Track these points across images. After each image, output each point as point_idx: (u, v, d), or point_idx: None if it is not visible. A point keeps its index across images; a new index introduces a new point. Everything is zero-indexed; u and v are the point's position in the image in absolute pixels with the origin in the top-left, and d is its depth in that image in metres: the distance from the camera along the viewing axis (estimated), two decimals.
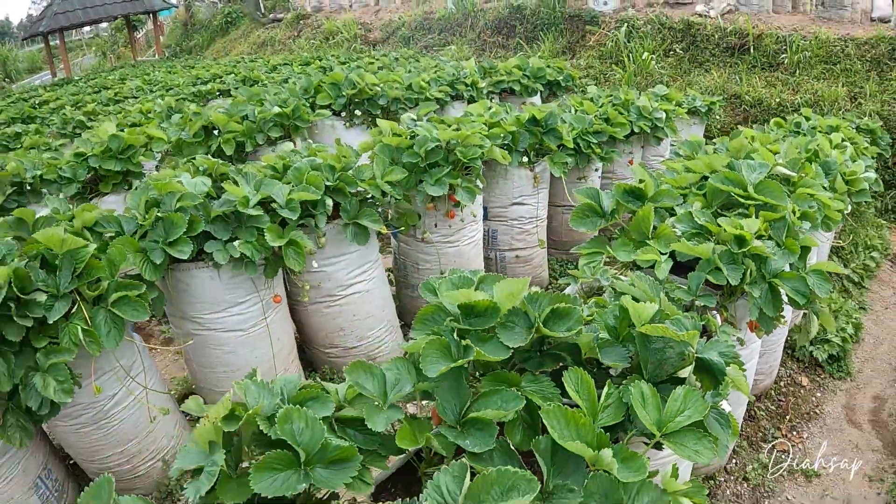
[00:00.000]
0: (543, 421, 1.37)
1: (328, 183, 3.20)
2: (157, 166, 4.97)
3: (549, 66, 7.61)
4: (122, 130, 4.79)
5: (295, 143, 5.39)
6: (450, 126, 4.09)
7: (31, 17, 50.71)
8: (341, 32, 14.92)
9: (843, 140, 5.32)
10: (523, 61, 7.43)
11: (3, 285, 2.28)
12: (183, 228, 2.76)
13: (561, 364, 1.71)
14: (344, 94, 5.56)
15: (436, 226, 3.92)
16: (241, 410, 1.45)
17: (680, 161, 3.71)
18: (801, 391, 4.27)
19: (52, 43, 21.73)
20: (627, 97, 5.82)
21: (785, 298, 2.61)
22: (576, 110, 5.32)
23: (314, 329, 3.70)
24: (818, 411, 4.13)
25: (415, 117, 4.21)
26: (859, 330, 4.90)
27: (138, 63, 20.28)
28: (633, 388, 1.51)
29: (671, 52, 9.52)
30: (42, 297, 2.40)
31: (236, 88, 9.44)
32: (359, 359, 1.71)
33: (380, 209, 3.52)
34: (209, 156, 4.73)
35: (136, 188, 3.14)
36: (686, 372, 1.71)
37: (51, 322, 2.42)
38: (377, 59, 9.58)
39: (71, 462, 3.24)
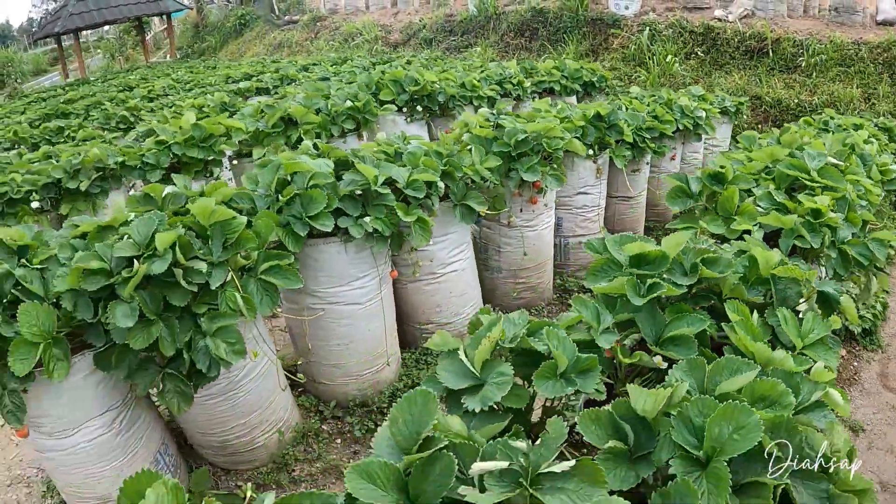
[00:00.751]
0: (728, 333, 1.84)
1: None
2: (229, 157, 5.35)
3: (583, 68, 8.09)
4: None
5: (362, 137, 5.84)
6: (527, 120, 4.56)
7: (31, 21, 50.93)
8: (361, 34, 15.36)
9: (868, 136, 5.83)
10: (560, 63, 7.91)
11: (169, 251, 2.46)
12: (323, 204, 3.09)
13: (711, 302, 2.18)
14: (406, 90, 6.02)
15: (521, 210, 4.38)
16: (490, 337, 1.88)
17: (741, 153, 4.18)
18: (841, 360, 4.76)
19: (64, 44, 22.11)
20: (670, 97, 6.31)
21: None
22: (626, 108, 5.80)
23: (414, 306, 4.11)
24: (856, 377, 4.62)
25: (493, 112, 4.67)
26: (886, 309, 5.40)
27: (154, 64, 20.63)
28: (779, 313, 1.98)
29: (693, 55, 10.03)
30: (202, 265, 2.57)
31: (276, 87, 9.89)
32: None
33: None
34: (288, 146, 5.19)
35: (261, 166, 3.45)
36: (803, 306, 2.18)
37: (213, 288, 2.58)
38: (412, 60, 10.03)
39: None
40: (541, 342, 1.84)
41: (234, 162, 5.10)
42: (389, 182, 3.43)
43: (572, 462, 1.38)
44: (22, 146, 7.68)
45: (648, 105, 6.09)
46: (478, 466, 1.38)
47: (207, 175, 5.04)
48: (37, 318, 2.28)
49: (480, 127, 4.32)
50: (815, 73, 9.19)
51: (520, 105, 7.39)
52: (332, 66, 11.24)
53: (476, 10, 13.14)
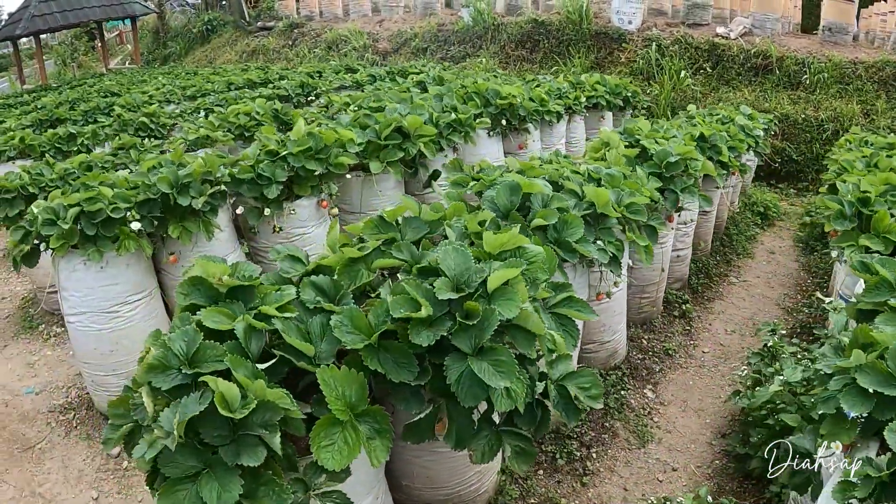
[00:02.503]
0: None
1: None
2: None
3: (620, 84, 8.21)
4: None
5: (456, 151, 5.74)
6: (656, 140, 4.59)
7: None
8: (349, 41, 15.09)
9: None
10: (602, 78, 8.00)
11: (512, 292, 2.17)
12: (580, 228, 3.00)
13: None
14: (493, 103, 5.95)
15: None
16: None
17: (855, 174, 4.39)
18: None
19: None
20: (732, 115, 6.48)
21: None
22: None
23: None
24: None
25: (621, 130, 4.68)
26: None
27: (117, 70, 19.70)
28: None
29: (701, 71, 10.32)
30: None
31: (296, 94, 9.61)
32: None
33: None
34: (403, 160, 5.03)
35: (482, 187, 3.19)
36: None
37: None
38: (433, 69, 9.92)
39: None
40: None
41: (348, 176, 4.88)
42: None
43: None
44: (46, 155, 7.18)
45: (713, 125, 6.24)
46: None
47: (319, 192, 4.80)
48: (339, 387, 1.84)
49: (628, 147, 4.32)
50: (817, 90, 9.60)
51: (573, 119, 7.42)
52: (346, 73, 10.99)
53: (472, 21, 13.11)
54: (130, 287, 3.77)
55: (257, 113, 7.18)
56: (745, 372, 4.15)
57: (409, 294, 2.02)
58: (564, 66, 11.26)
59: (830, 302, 3.44)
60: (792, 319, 5.60)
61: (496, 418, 2.24)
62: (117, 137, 7.21)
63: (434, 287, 2.04)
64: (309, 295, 2.10)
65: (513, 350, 2.06)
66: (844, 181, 4.60)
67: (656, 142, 4.71)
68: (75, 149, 7.36)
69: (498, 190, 3.05)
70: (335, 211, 4.98)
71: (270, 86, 10.21)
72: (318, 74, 11.55)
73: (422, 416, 2.04)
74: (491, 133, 6.04)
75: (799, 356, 4.07)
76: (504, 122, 6.02)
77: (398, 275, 2.47)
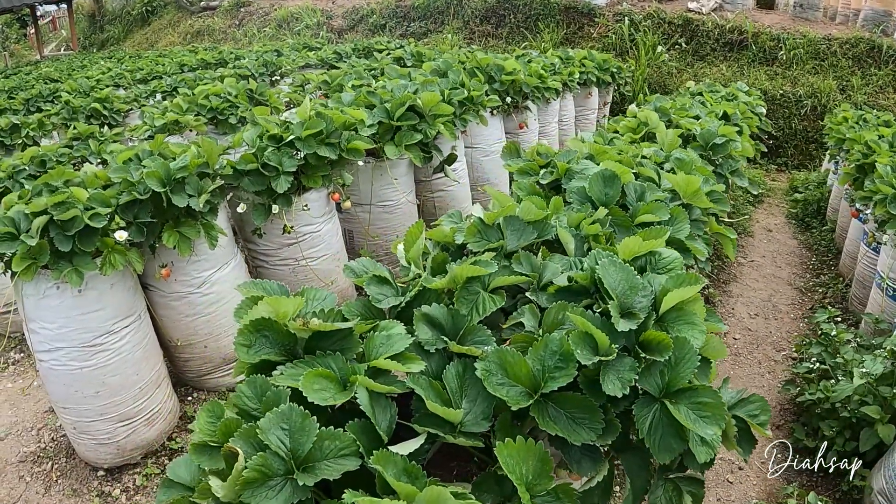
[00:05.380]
0: None
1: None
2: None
3: (607, 60, 7.73)
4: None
5: (464, 132, 5.14)
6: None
7: None
8: (301, 19, 14.18)
9: None
10: (590, 53, 7.49)
11: None
12: (687, 224, 2.44)
13: None
14: (497, 79, 5.36)
15: None
16: None
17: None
18: None
19: None
20: (735, 93, 6.07)
21: None
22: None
23: None
24: None
25: (637, 109, 4.18)
26: None
27: (54, 57, 18.20)
28: None
29: (675, 46, 9.94)
30: None
31: (260, 74, 8.79)
32: None
33: None
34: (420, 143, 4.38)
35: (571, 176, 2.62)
36: None
37: None
38: (404, 46, 9.23)
39: None
40: None
41: (360, 163, 4.20)
42: None
43: None
44: None
45: (719, 104, 5.82)
46: None
47: (329, 184, 4.09)
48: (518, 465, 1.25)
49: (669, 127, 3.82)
50: (793, 66, 9.35)
51: (563, 96, 6.91)
52: (310, 51, 10.18)
53: None
54: (117, 312, 2.97)
55: (229, 93, 6.40)
56: (801, 364, 3.77)
57: (583, 329, 1.46)
58: (533, 41, 10.71)
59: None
60: (809, 300, 5.29)
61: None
62: (70, 126, 6.30)
63: (609, 316, 1.50)
64: (426, 334, 1.51)
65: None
66: (875, 162, 4.25)
67: (697, 119, 4.23)
68: (20, 142, 6.41)
69: (591, 180, 2.48)
70: (348, 204, 4.29)
71: (230, 66, 9.33)
72: (276, 53, 10.69)
73: (598, 479, 1.50)
74: (494, 112, 5.47)
75: (855, 340, 3.72)
76: (508, 99, 5.46)
77: (527, 294, 1.89)
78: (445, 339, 1.53)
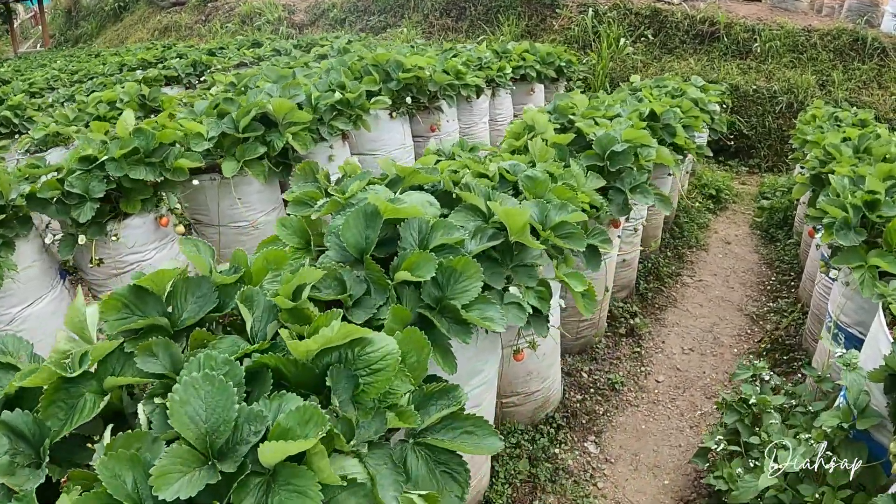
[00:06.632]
0: None
1: None
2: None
3: (553, 52, 6.95)
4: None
5: (348, 137, 4.39)
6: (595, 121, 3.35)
7: None
8: (263, 14, 13.45)
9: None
10: (532, 46, 6.72)
11: None
12: (478, 282, 1.72)
13: None
14: (394, 77, 4.60)
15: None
16: None
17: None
18: None
19: None
20: (683, 88, 5.29)
21: None
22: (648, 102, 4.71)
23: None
24: None
25: (552, 110, 3.41)
26: None
27: (24, 55, 17.60)
28: None
29: (642, 38, 9.13)
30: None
31: (187, 75, 8.07)
32: None
33: None
34: (268, 156, 3.66)
35: (329, 209, 1.99)
36: None
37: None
38: (352, 42, 8.48)
39: None
40: None
41: (195, 182, 3.52)
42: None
43: None
44: None
45: (664, 99, 5.04)
46: None
47: (157, 206, 3.44)
48: None
49: (558, 132, 3.06)
50: (769, 59, 8.53)
51: (497, 94, 6.14)
52: (248, 49, 9.45)
53: None
54: None
55: (121, 100, 5.70)
56: (716, 432, 2.99)
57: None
58: (493, 34, 9.94)
59: (841, 356, 2.28)
60: (760, 331, 4.52)
61: None
62: None
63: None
64: None
65: None
66: (832, 172, 3.46)
67: (595, 122, 3.46)
68: None
69: (347, 219, 1.76)
70: (181, 229, 3.60)
71: (161, 66, 8.60)
72: (220, 50, 9.97)
73: None
74: (394, 114, 4.71)
75: (786, 406, 2.93)
76: (409, 99, 4.70)
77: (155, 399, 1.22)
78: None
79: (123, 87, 6.06)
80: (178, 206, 3.55)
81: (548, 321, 2.00)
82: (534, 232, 2.08)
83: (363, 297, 1.68)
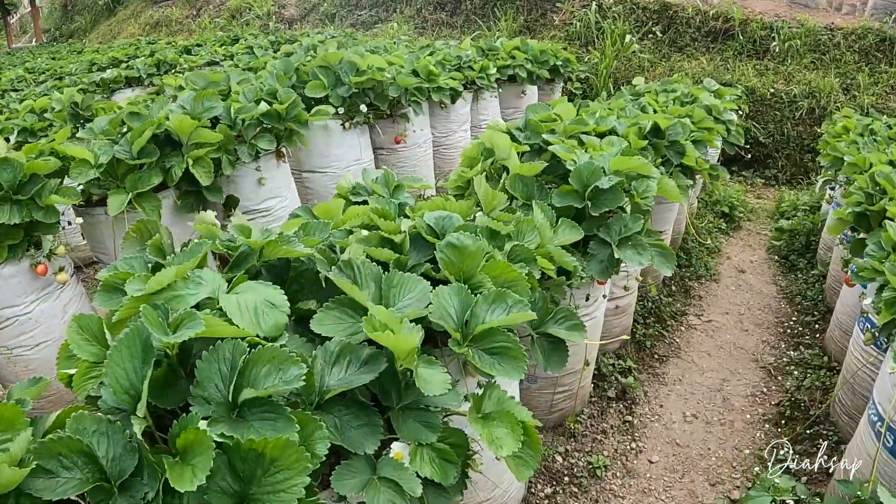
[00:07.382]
0: None
1: None
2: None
3: (549, 50, 6.16)
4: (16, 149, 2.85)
5: (283, 157, 3.62)
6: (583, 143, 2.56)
7: None
8: (252, 9, 12.71)
9: None
10: (523, 42, 5.93)
11: None
12: None
13: None
14: (345, 82, 3.83)
15: (587, 299, 2.41)
16: None
17: None
18: None
19: None
20: (694, 93, 4.49)
21: None
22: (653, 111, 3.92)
23: None
24: None
25: (521, 127, 2.63)
26: None
27: (15, 51, 17.03)
28: None
29: (650, 35, 8.31)
30: None
31: (150, 75, 7.33)
32: None
33: None
34: (168, 187, 2.93)
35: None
36: None
37: None
38: (332, 38, 7.70)
39: None
40: None
41: (79, 220, 2.79)
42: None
43: None
44: None
45: (671, 106, 4.25)
46: None
47: (32, 249, 2.72)
48: None
49: (524, 156, 2.28)
50: (788, 60, 7.69)
51: (481, 97, 5.37)
52: (220, 46, 8.71)
53: None
54: None
55: (52, 108, 4.96)
56: None
57: None
58: (489, 30, 9.14)
59: None
60: (778, 389, 3.74)
61: None
62: None
63: None
64: None
65: None
66: (885, 214, 2.62)
67: (581, 143, 2.68)
68: None
69: (117, 347, 1.03)
70: (62, 277, 2.86)
71: (123, 65, 7.85)
72: (197, 47, 9.24)
73: None
74: (347, 125, 3.94)
75: None
76: (364, 107, 3.93)
77: None
78: None
79: (61, 94, 5.30)
80: (62, 247, 2.83)
81: (460, 491, 1.25)
82: (450, 338, 1.32)
83: (130, 481, 0.94)
